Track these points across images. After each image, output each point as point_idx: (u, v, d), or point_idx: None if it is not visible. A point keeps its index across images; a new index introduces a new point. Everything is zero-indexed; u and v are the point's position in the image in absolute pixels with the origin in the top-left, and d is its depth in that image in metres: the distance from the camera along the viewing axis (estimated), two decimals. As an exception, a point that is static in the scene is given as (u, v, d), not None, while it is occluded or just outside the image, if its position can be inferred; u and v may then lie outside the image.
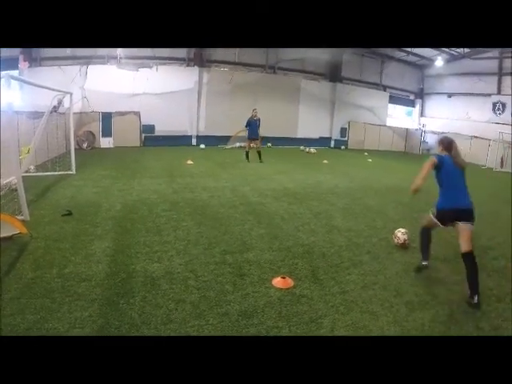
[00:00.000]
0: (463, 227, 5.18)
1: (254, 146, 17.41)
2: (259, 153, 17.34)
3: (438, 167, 5.34)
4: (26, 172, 11.48)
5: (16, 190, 7.98)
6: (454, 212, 5.30)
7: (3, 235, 6.44)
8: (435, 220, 5.52)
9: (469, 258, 5.11)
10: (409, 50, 28.29)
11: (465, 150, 26.15)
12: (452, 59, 27.83)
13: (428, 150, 29.84)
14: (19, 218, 7.11)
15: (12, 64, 18.03)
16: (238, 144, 23.49)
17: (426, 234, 5.84)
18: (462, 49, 25.99)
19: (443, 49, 26.48)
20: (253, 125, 17.15)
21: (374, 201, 10.89)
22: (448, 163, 5.34)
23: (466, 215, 5.22)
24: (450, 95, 29.79)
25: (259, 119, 17.23)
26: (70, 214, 8.15)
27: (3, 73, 7.45)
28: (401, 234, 7.15)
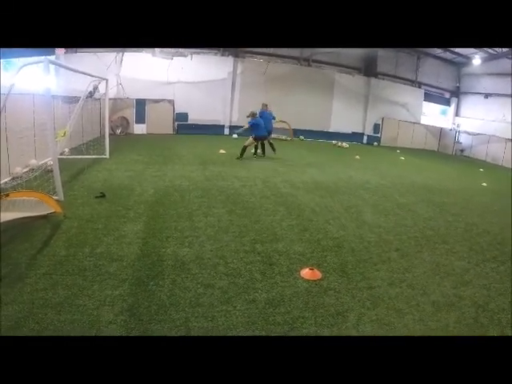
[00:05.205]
0: None
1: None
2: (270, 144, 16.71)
3: None
4: (61, 154, 11.73)
5: (51, 171, 8.17)
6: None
7: (38, 213, 6.62)
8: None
9: None
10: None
11: (499, 152, 25.54)
12: (489, 58, 26.58)
13: (462, 150, 29.22)
14: (54, 197, 7.26)
15: (48, 49, 18.22)
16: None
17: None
18: (500, 48, 25.08)
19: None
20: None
21: (405, 199, 10.76)
22: None
23: None
24: (486, 95, 28.48)
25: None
26: (103, 196, 8.31)
27: (42, 57, 7.56)
28: None
